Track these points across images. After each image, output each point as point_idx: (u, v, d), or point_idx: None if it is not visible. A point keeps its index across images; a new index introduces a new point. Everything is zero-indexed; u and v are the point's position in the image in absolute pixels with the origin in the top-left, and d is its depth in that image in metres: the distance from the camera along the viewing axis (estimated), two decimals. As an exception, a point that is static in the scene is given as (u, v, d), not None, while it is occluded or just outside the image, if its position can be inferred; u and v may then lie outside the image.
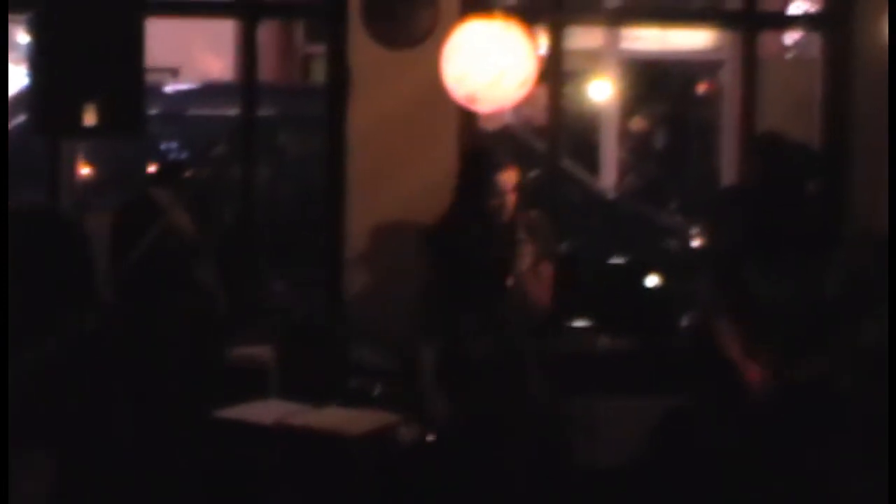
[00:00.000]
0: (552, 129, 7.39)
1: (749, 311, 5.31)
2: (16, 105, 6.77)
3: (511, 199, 5.65)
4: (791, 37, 10.15)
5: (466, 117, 6.90)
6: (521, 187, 5.75)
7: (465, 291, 5.69)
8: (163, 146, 7.83)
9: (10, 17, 6.49)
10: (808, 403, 5.15)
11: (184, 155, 7.74)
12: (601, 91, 11.96)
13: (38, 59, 6.10)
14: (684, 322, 6.63)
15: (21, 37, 7.17)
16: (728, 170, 8.54)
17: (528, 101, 6.09)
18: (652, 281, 7.27)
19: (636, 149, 12.13)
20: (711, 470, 5.26)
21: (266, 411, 5.58)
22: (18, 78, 7.38)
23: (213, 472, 5.42)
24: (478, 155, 5.95)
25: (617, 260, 7.39)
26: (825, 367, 5.17)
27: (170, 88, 8.36)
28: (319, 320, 6.73)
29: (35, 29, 6.13)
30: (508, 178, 5.67)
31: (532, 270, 5.61)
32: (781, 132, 6.84)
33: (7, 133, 5.70)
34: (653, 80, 12.51)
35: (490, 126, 7.73)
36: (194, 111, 7.01)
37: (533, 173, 7.03)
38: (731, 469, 5.18)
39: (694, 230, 7.86)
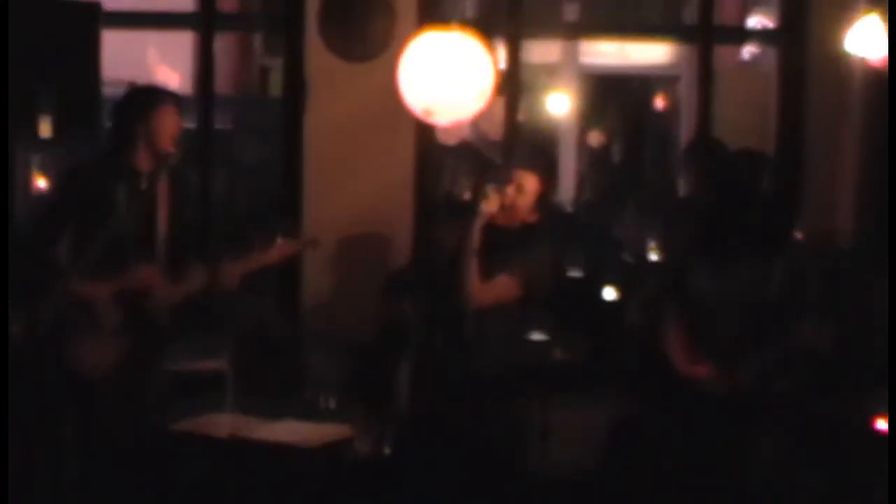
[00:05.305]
0: (509, 143, 7.40)
1: (695, 314, 5.33)
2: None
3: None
4: (748, 50, 10.22)
5: (423, 130, 6.93)
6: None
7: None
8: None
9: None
10: (749, 404, 5.16)
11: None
12: (559, 105, 12.01)
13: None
14: (634, 328, 6.67)
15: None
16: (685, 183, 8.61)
17: (485, 114, 5.98)
18: (609, 294, 7.28)
19: (594, 162, 12.20)
20: (660, 474, 5.29)
21: (220, 424, 5.53)
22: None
23: (167, 485, 5.38)
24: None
25: (574, 273, 7.39)
26: (766, 367, 5.20)
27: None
28: (274, 329, 6.70)
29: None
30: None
31: (484, 285, 5.55)
32: (719, 141, 6.98)
33: (8, 136, 5.67)
34: (611, 94, 12.58)
35: (448, 139, 7.74)
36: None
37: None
38: (678, 472, 5.21)
39: (650, 243, 7.87)
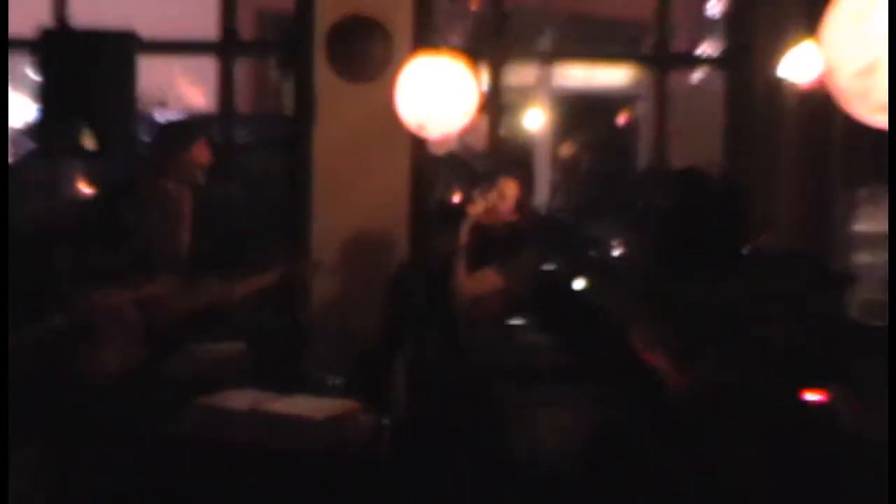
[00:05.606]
0: (492, 154, 7.75)
1: (662, 320, 5.32)
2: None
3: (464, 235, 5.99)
4: (698, 74, 10.82)
5: (417, 142, 7.25)
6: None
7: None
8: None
9: (20, 55, 6.79)
10: (719, 406, 5.05)
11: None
12: (535, 121, 12.53)
13: (45, 91, 6.52)
14: (605, 320, 6.97)
15: (29, 73, 7.37)
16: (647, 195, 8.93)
17: (470, 129, 6.29)
18: (579, 284, 7.58)
19: (565, 171, 12.53)
20: (641, 476, 5.07)
21: (239, 398, 5.42)
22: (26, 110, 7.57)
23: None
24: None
25: (548, 267, 7.35)
26: (732, 368, 5.09)
27: (159, 116, 8.61)
28: (279, 333, 6.84)
29: (42, 66, 6.55)
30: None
31: (471, 275, 5.98)
32: (695, 167, 7.35)
33: (8, 134, 5.86)
34: (580, 111, 12.92)
35: (438, 151, 8.00)
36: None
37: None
38: (654, 474, 5.03)
39: (615, 241, 8.34)
